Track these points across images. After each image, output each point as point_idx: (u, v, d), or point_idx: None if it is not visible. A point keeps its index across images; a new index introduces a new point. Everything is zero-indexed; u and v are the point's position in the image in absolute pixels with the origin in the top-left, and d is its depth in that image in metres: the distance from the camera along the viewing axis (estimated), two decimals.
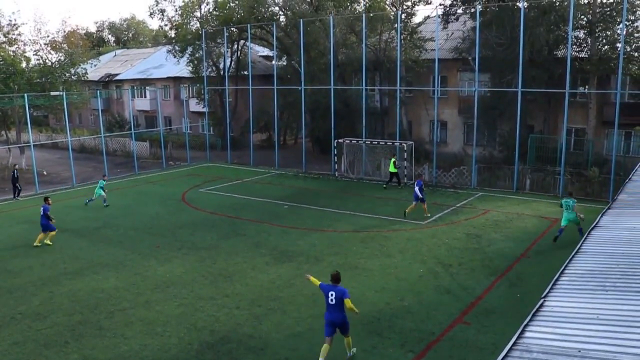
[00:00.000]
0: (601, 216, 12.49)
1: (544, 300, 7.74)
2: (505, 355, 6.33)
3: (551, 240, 19.98)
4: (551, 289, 8.21)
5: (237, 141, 43.65)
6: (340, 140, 33.16)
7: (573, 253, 9.89)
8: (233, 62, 44.76)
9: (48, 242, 20.15)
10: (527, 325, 7.07)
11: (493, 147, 34.66)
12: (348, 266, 17.68)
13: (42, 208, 20.22)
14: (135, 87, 54.85)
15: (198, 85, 45.65)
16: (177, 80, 51.87)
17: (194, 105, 48.86)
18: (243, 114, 44.55)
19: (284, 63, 43.63)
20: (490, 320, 13.89)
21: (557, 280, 8.56)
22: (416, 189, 23.26)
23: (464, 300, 15.07)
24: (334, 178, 32.82)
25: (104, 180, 27.20)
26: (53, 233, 20.27)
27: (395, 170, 30.01)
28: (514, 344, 6.63)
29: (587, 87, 32.57)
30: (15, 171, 28.92)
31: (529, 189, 29.19)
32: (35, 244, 20.09)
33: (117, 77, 57.65)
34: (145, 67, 57.88)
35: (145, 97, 54.04)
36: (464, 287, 16.02)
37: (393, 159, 30.07)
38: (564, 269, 9.02)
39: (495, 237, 20.89)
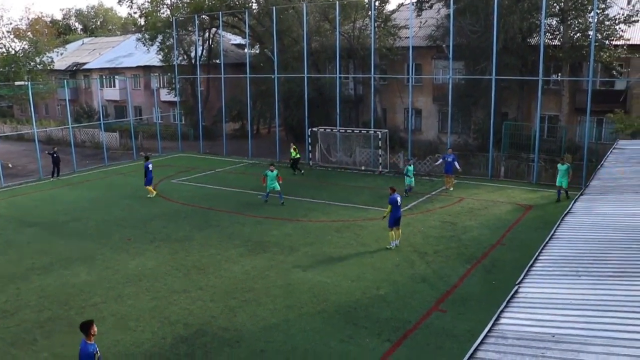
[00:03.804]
0: (574, 202, 12.68)
1: (519, 287, 7.82)
2: (481, 342, 6.39)
3: (525, 227, 20.36)
4: (525, 275, 8.30)
5: (210, 131, 43.25)
6: (314, 129, 33.15)
7: (547, 239, 10.02)
8: (205, 51, 44.19)
9: None
10: (502, 311, 7.14)
11: (468, 135, 34.94)
12: (323, 256, 17.71)
13: None
14: (104, 77, 53.89)
15: (169, 74, 45.01)
16: (147, 69, 51.09)
17: (165, 95, 48.21)
18: (215, 103, 44.11)
19: (257, 51, 43.24)
20: (466, 308, 14.05)
21: (531, 266, 8.66)
22: (455, 163, 25.91)
23: (439, 288, 15.20)
24: (309, 167, 32.82)
25: None
26: None
27: (298, 156, 30.40)
28: (490, 330, 6.69)
29: (559, 74, 33.00)
30: None
31: (504, 176, 29.48)
32: None
33: (85, 66, 56.55)
34: (114, 56, 56.87)
35: (114, 86, 53.14)
36: (439, 275, 16.17)
37: (294, 146, 30.50)
38: (538, 255, 9.13)
39: (471, 224, 21.09)
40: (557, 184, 23.86)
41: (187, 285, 15.61)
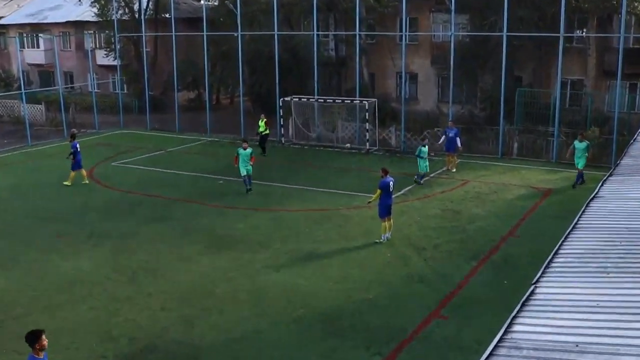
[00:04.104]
0: (601, 184, 12.84)
1: (535, 287, 7.89)
2: (491, 354, 6.43)
3: (543, 216, 20.65)
4: (543, 273, 8.37)
5: (159, 102, 42.87)
6: (287, 99, 33.10)
7: (569, 229, 10.13)
8: (151, 3, 43.67)
9: None
10: (515, 317, 7.20)
11: (473, 105, 35.19)
12: (300, 253, 17.79)
13: None
14: (24, 35, 52.94)
15: (107, 32, 44.39)
16: (79, 25, 50.26)
17: (102, 58, 47.60)
18: (165, 67, 43.70)
19: (216, 3, 42.84)
20: (472, 313, 14.21)
21: (550, 262, 8.73)
22: (457, 140, 26.43)
23: (440, 290, 15.35)
24: (280, 145, 32.82)
25: None
26: None
27: (267, 132, 30.30)
28: (501, 340, 6.74)
29: (584, 30, 33.30)
30: None
31: (517, 154, 29.80)
32: None
33: (1, 22, 55.54)
34: (37, 9, 55.80)
35: (38, 47, 52.25)
36: (440, 274, 16.33)
37: (265, 119, 30.35)
38: (558, 249, 9.21)
39: (477, 212, 21.30)
40: (577, 166, 24.08)
41: (132, 292, 15.54)
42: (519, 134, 30.25)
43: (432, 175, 26.06)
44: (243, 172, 23.48)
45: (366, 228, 19.69)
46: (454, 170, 26.64)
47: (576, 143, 24.19)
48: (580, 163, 23.86)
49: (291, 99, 33.16)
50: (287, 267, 16.91)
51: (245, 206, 22.30)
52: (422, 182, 24.47)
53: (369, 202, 18.84)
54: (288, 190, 24.29)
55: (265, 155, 29.44)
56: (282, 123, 33.45)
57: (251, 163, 23.64)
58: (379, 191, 18.15)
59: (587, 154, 23.92)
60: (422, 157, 24.26)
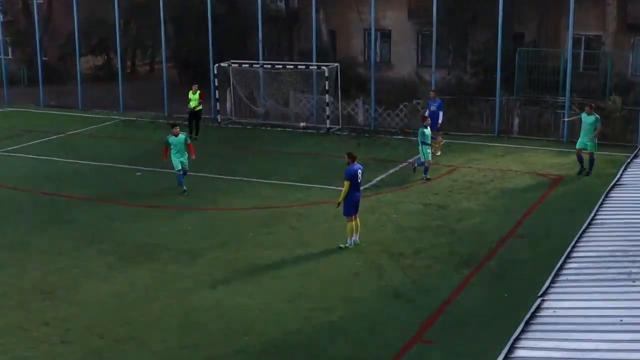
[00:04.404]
0: (624, 168, 13.00)
1: (543, 300, 7.93)
2: None
3: (552, 210, 20.96)
4: (552, 282, 8.43)
5: (55, 70, 42.18)
6: (223, 65, 32.96)
7: (584, 226, 10.23)
8: None
9: None
10: (517, 339, 7.22)
11: (462, 70, 35.38)
12: (243, 264, 17.70)
13: None
14: None
15: None
16: None
17: None
18: (63, 26, 42.94)
19: None
20: (464, 336, 14.26)
21: (560, 268, 8.80)
22: (440, 114, 26.74)
23: (423, 308, 15.39)
24: (216, 125, 32.75)
25: None
26: None
27: (198, 107, 30.05)
28: None
29: None
30: None
31: (519, 132, 30.07)
32: None
33: None
34: None
35: None
36: (423, 287, 16.38)
37: (198, 91, 30.10)
38: (570, 252, 9.30)
39: (469, 207, 21.47)
40: (577, 146, 24.30)
41: (22, 320, 15.24)
42: (520, 106, 30.49)
43: (410, 160, 26.16)
44: (178, 166, 22.88)
45: (328, 230, 19.65)
46: (439, 153, 26.76)
47: (583, 116, 24.34)
48: (589, 144, 23.91)
49: (229, 65, 32.92)
50: (226, 282, 16.76)
51: (172, 205, 22.12)
52: (427, 175, 24.00)
53: (339, 202, 18.57)
54: (226, 184, 24.17)
55: (197, 138, 29.14)
56: (217, 96, 33.25)
57: (191, 154, 23.04)
58: (346, 183, 18.07)
59: (595, 132, 23.91)
60: (427, 144, 23.89)
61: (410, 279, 16.75)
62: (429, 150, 23.97)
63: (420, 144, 23.95)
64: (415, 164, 24.68)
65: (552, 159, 26.50)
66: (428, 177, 23.97)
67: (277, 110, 33.28)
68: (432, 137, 24.64)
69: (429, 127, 24.19)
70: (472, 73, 34.90)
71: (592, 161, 24.00)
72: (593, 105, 24.88)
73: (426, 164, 24.06)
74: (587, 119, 23.97)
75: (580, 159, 24.15)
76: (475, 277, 16.85)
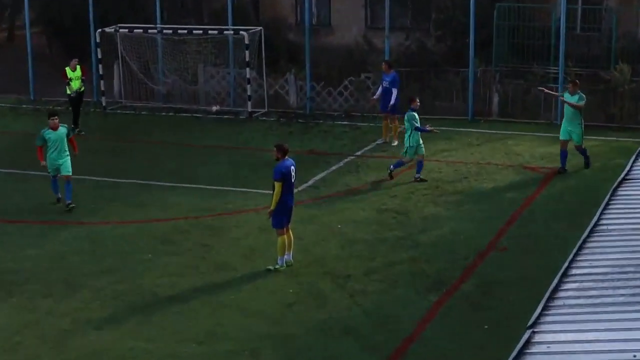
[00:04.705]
0: (635, 158, 13.06)
1: (533, 332, 7.88)
2: None
3: (543, 214, 21.11)
4: (545, 308, 8.38)
5: None
6: (108, 30, 32.73)
7: (584, 235, 10.21)
8: None
9: None
10: None
11: (425, 33, 35.52)
12: (138, 295, 17.50)
13: None
14: None
15: None
16: None
17: None
18: None
19: None
20: None
21: (556, 290, 8.76)
22: (394, 91, 26.60)
23: (379, 347, 15.33)
24: (100, 110, 32.68)
25: None
26: None
27: (82, 89, 29.75)
28: None
29: None
30: None
31: (499, 113, 30.32)
32: None
33: None
34: None
35: None
36: (378, 319, 16.31)
37: (78, 66, 29.71)
38: (568, 268, 9.26)
39: (437, 213, 21.57)
40: (560, 137, 24.41)
41: None
42: (500, 79, 30.70)
43: (358, 152, 26.19)
44: (54, 167, 22.22)
45: (251, 247, 19.58)
46: (396, 142, 26.80)
47: (566, 95, 24.38)
48: (573, 134, 23.93)
49: (116, 31, 32.72)
50: (115, 321, 16.50)
51: (38, 218, 21.83)
52: (420, 175, 23.77)
53: (270, 210, 18.34)
54: (114, 189, 23.99)
55: (82, 132, 28.63)
56: (101, 73, 33.04)
57: (75, 152, 22.62)
58: (277, 185, 17.86)
59: (581, 114, 23.91)
60: (423, 129, 23.45)
61: (362, 309, 16.65)
62: (418, 142, 23.59)
63: (409, 134, 23.58)
64: (391, 167, 24.18)
65: (543, 147, 26.74)
66: (420, 177, 23.84)
67: (181, 89, 33.09)
68: (388, 114, 25.03)
69: (417, 110, 23.91)
70: (438, 37, 35.11)
71: (584, 154, 24.27)
72: (577, 81, 24.95)
73: (405, 160, 23.95)
74: (571, 99, 23.98)
75: (564, 156, 24.18)
76: (447, 304, 16.80)
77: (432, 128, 24.49)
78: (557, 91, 27.44)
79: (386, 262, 18.77)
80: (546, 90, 25.56)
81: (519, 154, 26.03)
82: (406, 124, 23.70)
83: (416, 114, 23.70)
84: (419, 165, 23.87)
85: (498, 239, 19.85)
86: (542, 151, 26.26)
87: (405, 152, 23.74)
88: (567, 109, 24.06)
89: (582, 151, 24.22)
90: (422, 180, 23.70)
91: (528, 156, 25.80)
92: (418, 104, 24.18)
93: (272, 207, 18.14)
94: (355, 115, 30.26)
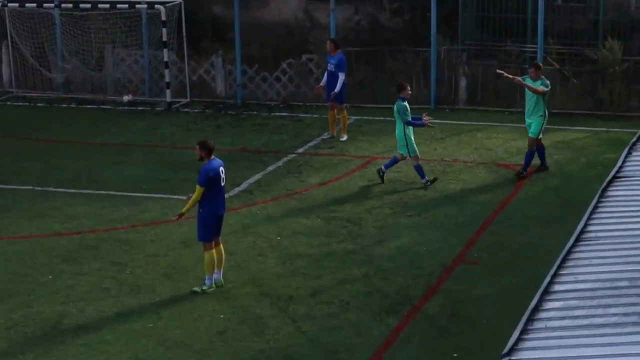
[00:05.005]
0: (628, 151, 13.22)
1: None
2: None
3: (521, 220, 21.20)
4: (524, 332, 8.47)
5: None
6: None
7: (568, 244, 10.34)
8: None
9: None
10: None
11: (378, 6, 35.51)
12: (37, 324, 17.25)
13: None
14: None
15: None
16: None
17: None
18: None
19: None
20: None
21: (536, 310, 8.85)
22: (341, 76, 26.49)
23: None
24: None
25: None
26: None
27: None
28: None
29: None
30: None
31: (467, 100, 30.60)
32: None
33: None
34: None
35: None
36: (327, 347, 16.31)
37: None
38: (550, 282, 9.38)
39: (395, 221, 21.62)
40: (530, 134, 24.27)
41: None
42: (468, 60, 30.87)
43: (300, 150, 26.22)
44: None
45: (172, 265, 19.52)
46: (345, 137, 26.87)
47: (526, 80, 24.19)
48: (534, 125, 23.86)
49: (4, 5, 32.46)
50: (9, 355, 16.31)
51: None
52: (427, 181, 23.58)
53: (181, 213, 18.39)
54: (4, 197, 23.79)
55: None
56: None
57: None
58: (199, 189, 17.85)
59: (544, 104, 23.91)
60: (416, 123, 23.17)
61: (307, 337, 16.66)
62: (412, 141, 23.56)
63: (401, 129, 23.51)
64: (382, 168, 24.10)
65: (519, 141, 26.77)
66: (429, 179, 23.65)
67: (85, 76, 32.92)
68: (335, 104, 24.98)
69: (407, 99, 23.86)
70: (393, 10, 35.18)
71: (541, 151, 24.15)
72: (541, 64, 25.02)
73: (414, 162, 23.73)
74: (534, 83, 23.89)
75: (539, 152, 24.18)
76: (408, 328, 16.81)
77: (428, 119, 24.13)
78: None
79: (335, 280, 18.73)
80: (505, 74, 25.25)
81: (491, 149, 26.25)
82: (395, 116, 23.62)
83: (407, 105, 23.62)
84: (393, 161, 23.94)
85: (468, 250, 19.95)
86: (519, 145, 26.28)
87: (408, 151, 23.51)
88: (528, 99, 23.97)
89: (539, 148, 24.04)
90: (382, 177, 23.81)
91: (502, 151, 25.97)
92: (409, 92, 24.17)
93: (184, 210, 18.28)
94: (295, 104, 30.28)
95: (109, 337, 16.93)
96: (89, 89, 32.77)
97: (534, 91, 23.50)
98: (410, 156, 23.59)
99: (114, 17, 32.53)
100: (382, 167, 24.09)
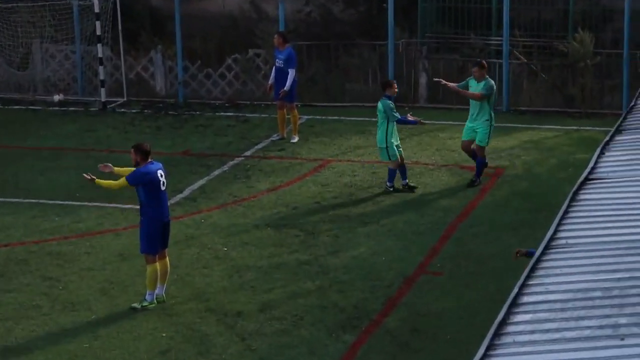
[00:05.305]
0: (599, 154, 13.34)
1: None
2: None
3: (488, 225, 21.33)
4: (491, 346, 8.52)
5: None
6: None
7: (539, 250, 10.41)
8: None
9: None
10: None
11: None
12: None
13: None
14: None
15: None
16: None
17: None
18: None
19: None
20: None
21: (504, 323, 8.92)
22: (290, 72, 26.45)
23: None
24: None
25: None
26: None
27: None
28: None
29: None
30: None
31: (428, 97, 30.70)
32: None
33: None
34: None
35: None
36: None
37: None
38: (519, 294, 9.45)
39: (351, 228, 21.63)
40: (462, 137, 24.58)
41: None
42: (429, 54, 30.98)
43: (247, 152, 26.25)
44: None
45: (109, 279, 19.42)
46: (296, 139, 26.91)
47: (471, 81, 24.16)
48: (480, 129, 23.78)
49: None
50: None
51: None
52: (391, 186, 23.65)
53: (92, 178, 17.97)
54: None
55: None
56: None
57: None
58: (124, 182, 17.68)
59: (490, 107, 23.77)
60: (406, 122, 23.04)
61: (257, 356, 16.64)
62: (393, 145, 23.49)
63: (383, 131, 23.42)
64: (387, 183, 23.90)
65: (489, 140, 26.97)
66: (402, 185, 23.73)
67: (9, 74, 32.80)
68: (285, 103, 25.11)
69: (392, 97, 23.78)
70: (347, 1, 35.22)
71: (480, 163, 24.02)
72: (485, 63, 24.78)
73: (392, 166, 23.73)
74: (477, 86, 23.83)
75: (476, 161, 24.07)
76: (367, 345, 16.84)
77: (419, 119, 24.14)
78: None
79: (287, 294, 18.73)
80: (443, 82, 25.09)
81: (454, 150, 26.31)
82: (379, 116, 23.45)
83: (392, 104, 23.51)
84: (396, 172, 23.66)
85: (430, 260, 20.00)
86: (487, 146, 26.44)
87: (388, 156, 23.51)
88: (472, 102, 23.94)
89: (480, 160, 23.94)
90: (410, 187, 23.69)
91: (465, 153, 26.00)
92: (396, 90, 24.16)
93: (98, 181, 18.20)
94: (242, 104, 30.31)
95: (41, 359, 16.91)
96: (15, 88, 32.65)
97: (472, 97, 23.59)
98: (390, 160, 23.58)
99: (42, 10, 32.38)
100: (400, 181, 23.81)
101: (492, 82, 23.82)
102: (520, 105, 28.12)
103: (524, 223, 20.55)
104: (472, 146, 23.85)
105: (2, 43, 32.70)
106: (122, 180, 17.85)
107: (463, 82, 24.49)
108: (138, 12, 34.02)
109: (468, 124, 24.02)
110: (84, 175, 18.30)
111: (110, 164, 18.26)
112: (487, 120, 23.55)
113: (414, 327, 17.39)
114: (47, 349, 17.15)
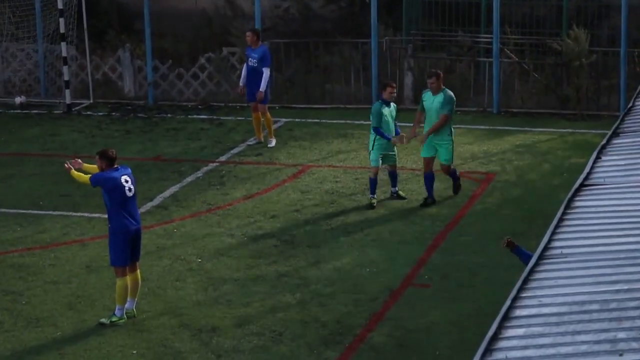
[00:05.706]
0: (595, 158, 13.41)
1: None
2: None
3: (477, 235, 21.44)
4: None
5: None
6: None
7: (533, 260, 10.47)
8: None
9: None
10: None
11: None
12: None
13: None
14: None
15: None
16: None
17: None
18: None
19: None
20: None
21: (495, 338, 8.97)
22: (265, 72, 26.23)
23: None
24: None
25: None
26: None
27: None
28: None
29: None
30: None
31: (413, 98, 30.59)
32: None
33: None
34: None
35: None
36: None
37: None
38: (511, 307, 9.51)
39: (333, 238, 21.70)
40: (422, 154, 24.15)
41: None
42: (414, 53, 31.04)
43: (221, 159, 26.23)
44: None
45: (75, 293, 19.41)
46: (273, 143, 26.92)
47: (426, 94, 23.63)
48: (443, 146, 23.48)
49: None
50: None
51: None
52: (398, 190, 23.77)
53: (69, 167, 18.28)
54: None
55: None
56: None
57: None
58: (88, 181, 18.01)
59: (451, 124, 23.47)
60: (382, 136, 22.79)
61: None
62: (387, 149, 23.39)
63: (372, 137, 23.33)
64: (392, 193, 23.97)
65: (475, 145, 27.20)
66: (396, 192, 23.73)
67: None
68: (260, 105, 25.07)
69: (392, 104, 23.51)
70: None
71: (454, 175, 23.87)
72: (441, 73, 24.11)
73: (370, 174, 23.65)
74: (434, 100, 23.33)
75: (429, 181, 23.49)
76: None
77: (395, 139, 23.49)
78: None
79: (265, 308, 18.71)
80: (405, 136, 23.51)
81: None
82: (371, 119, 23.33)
83: (386, 109, 23.17)
84: (375, 181, 23.47)
85: (417, 271, 20.04)
86: (472, 150, 26.71)
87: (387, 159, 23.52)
88: (429, 114, 23.36)
89: (452, 173, 23.77)
90: (400, 196, 23.67)
91: (457, 156, 25.87)
92: (394, 93, 23.68)
93: (73, 172, 18.47)
94: (216, 105, 30.33)
95: None
96: None
97: (441, 125, 22.91)
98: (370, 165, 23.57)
99: (2, 6, 32.36)
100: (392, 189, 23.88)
101: (450, 92, 23.23)
102: (511, 107, 28.20)
103: (516, 232, 20.50)
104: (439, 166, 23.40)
105: None
106: (87, 178, 17.97)
107: (419, 104, 23.91)
108: (105, 8, 34.08)
109: (427, 140, 23.18)
110: (65, 164, 18.42)
111: (80, 160, 18.31)
112: (449, 135, 23.29)
113: (400, 343, 17.40)
114: None
